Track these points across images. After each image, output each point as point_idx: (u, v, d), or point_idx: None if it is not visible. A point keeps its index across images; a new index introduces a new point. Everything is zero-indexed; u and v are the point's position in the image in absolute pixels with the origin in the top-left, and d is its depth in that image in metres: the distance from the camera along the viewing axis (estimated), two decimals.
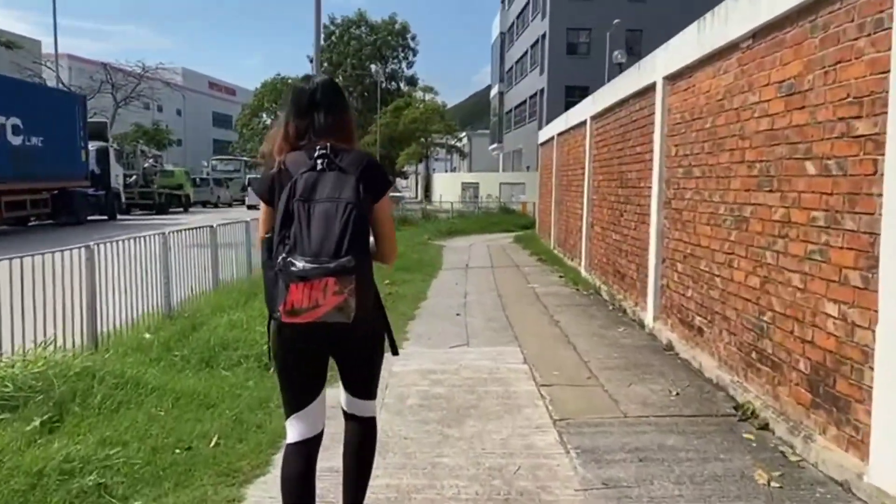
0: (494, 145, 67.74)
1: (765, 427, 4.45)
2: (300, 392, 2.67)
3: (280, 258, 2.36)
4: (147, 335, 6.41)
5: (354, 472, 2.83)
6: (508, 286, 10.99)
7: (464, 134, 71.04)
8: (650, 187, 7.57)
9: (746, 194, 5.04)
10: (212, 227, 8.89)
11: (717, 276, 5.59)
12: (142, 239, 6.95)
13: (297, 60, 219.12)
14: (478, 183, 44.45)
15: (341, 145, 2.59)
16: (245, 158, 58.06)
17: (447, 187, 47.32)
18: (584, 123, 11.56)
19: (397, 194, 64.90)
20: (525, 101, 57.34)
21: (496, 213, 29.23)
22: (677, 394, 5.24)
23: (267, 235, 2.55)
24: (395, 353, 2.86)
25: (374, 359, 2.79)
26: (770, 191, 4.65)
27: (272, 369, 3.07)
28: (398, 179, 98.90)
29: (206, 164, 57.04)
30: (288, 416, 2.69)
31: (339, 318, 2.35)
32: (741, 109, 5.18)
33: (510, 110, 63.63)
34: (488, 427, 4.54)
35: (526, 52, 57.50)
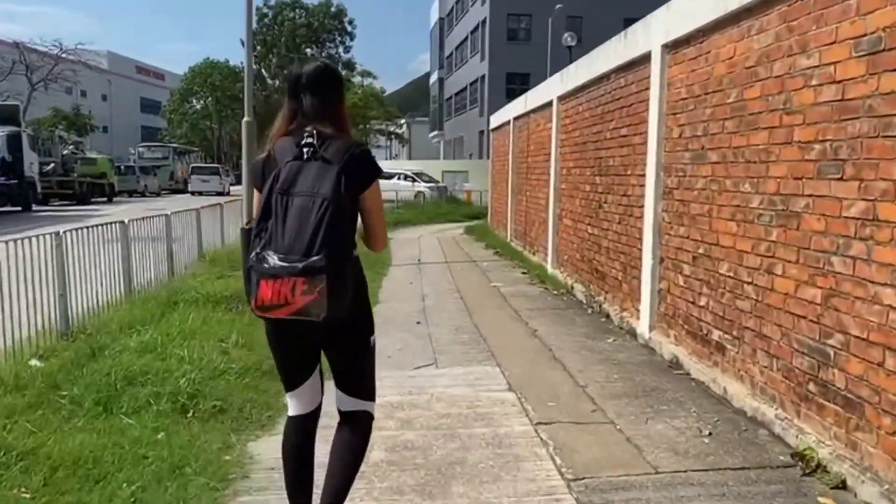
0: (435, 133, 66.58)
1: (842, 486, 3.44)
2: (291, 374, 2.72)
3: (254, 253, 2.36)
4: (35, 362, 5.06)
5: (335, 470, 2.67)
6: (469, 285, 9.87)
7: (403, 121, 69.65)
8: (641, 175, 6.54)
9: (797, 183, 4.01)
10: (123, 222, 7.48)
11: (748, 283, 4.57)
12: (33, 240, 5.55)
13: (228, 44, 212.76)
14: (420, 171, 43.16)
15: (328, 132, 2.51)
16: (174, 145, 55.32)
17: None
18: (549, 105, 10.49)
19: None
20: (466, 88, 56.32)
21: (443, 202, 28.03)
22: (710, 433, 4.19)
23: (247, 227, 2.54)
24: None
25: (359, 356, 2.73)
26: (840, 179, 3.62)
27: None
28: None
29: (133, 151, 54.03)
30: (286, 392, 2.77)
31: (310, 315, 2.33)
32: (787, 77, 4.14)
33: (450, 97, 62.49)
34: (483, 496, 3.40)
35: (466, 39, 56.41)
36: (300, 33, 66.58)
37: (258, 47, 69.81)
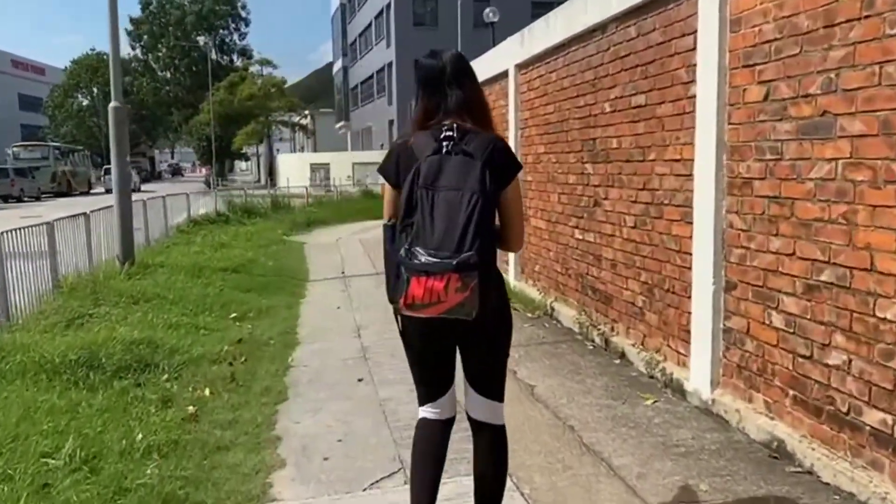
0: (341, 123, 63.73)
1: None
2: (433, 379, 2.64)
3: (403, 249, 2.27)
4: None
5: (486, 484, 2.61)
6: None
7: (307, 112, 66.41)
8: (680, 160, 4.55)
9: None
10: None
11: None
12: None
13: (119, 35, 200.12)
14: (328, 163, 40.54)
15: (468, 126, 2.43)
16: (55, 144, 50.25)
17: (294, 169, 42.99)
18: (502, 76, 8.42)
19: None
20: (372, 76, 53.88)
21: (357, 197, 25.64)
22: None
23: (390, 222, 2.45)
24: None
25: (499, 356, 2.62)
26: None
27: None
28: (237, 161, 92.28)
29: (8, 152, 48.64)
30: (420, 404, 2.69)
31: (461, 314, 2.25)
32: None
33: (356, 86, 59.86)
34: None
35: (370, 25, 53.92)
36: (190, 20, 62.20)
37: (143, 36, 65.09)
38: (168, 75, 67.91)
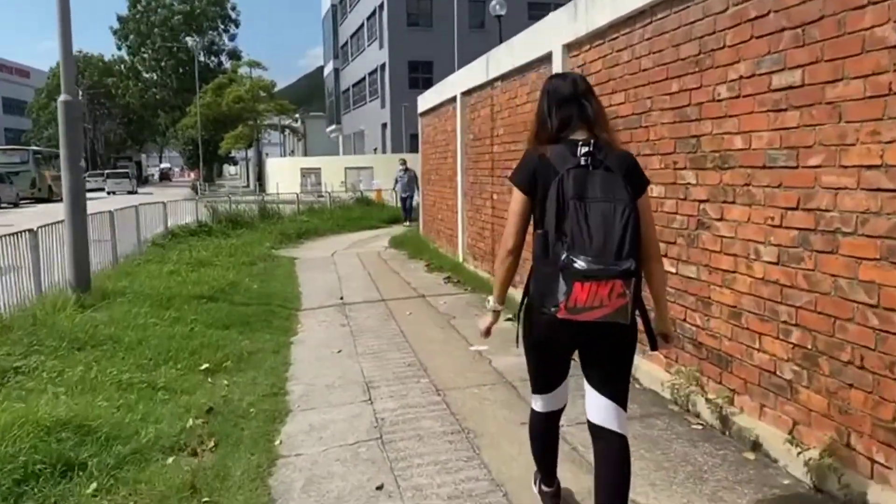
0: (332, 127, 62.10)
1: None
2: (554, 376, 2.82)
3: (564, 256, 2.34)
4: None
5: (609, 490, 2.63)
6: (440, 354, 5.99)
7: (297, 116, 64.67)
8: (891, 167, 2.95)
9: None
10: None
11: None
12: None
13: (98, 35, 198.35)
14: (320, 168, 38.74)
15: (603, 138, 2.56)
16: (35, 148, 48.21)
17: (284, 174, 41.16)
18: (542, 61, 6.80)
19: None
20: (364, 79, 52.33)
21: (353, 205, 23.90)
22: None
23: (541, 231, 2.51)
24: (653, 347, 2.77)
25: (631, 359, 2.71)
26: None
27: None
28: (226, 166, 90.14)
29: None
30: (535, 393, 2.90)
31: (618, 318, 2.38)
32: None
33: (347, 89, 58.26)
34: None
35: (362, 26, 52.34)
36: (177, 21, 60.38)
37: (130, 36, 63.26)
38: (154, 77, 66.10)
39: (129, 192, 45.94)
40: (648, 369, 4.89)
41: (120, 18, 62.44)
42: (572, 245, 2.32)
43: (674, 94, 4.54)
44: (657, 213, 4.74)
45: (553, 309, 2.39)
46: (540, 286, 2.49)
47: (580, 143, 2.47)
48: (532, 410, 2.92)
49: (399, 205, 20.55)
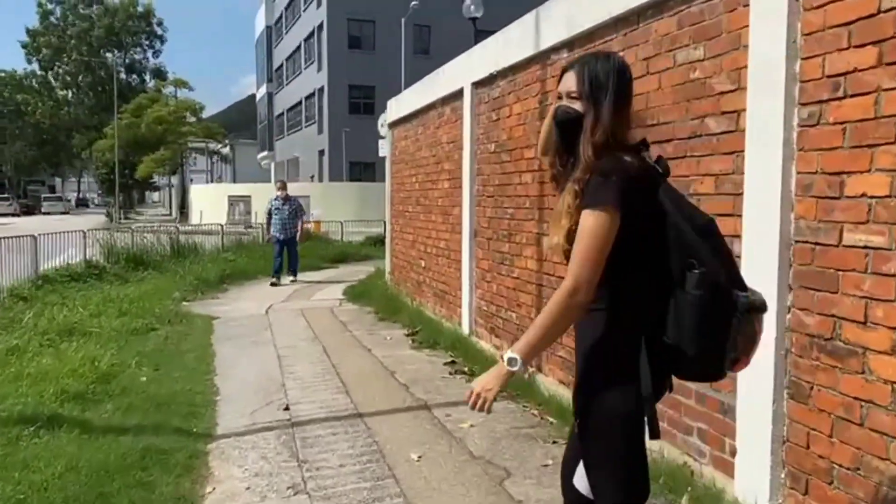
0: (264, 153, 58.21)
1: None
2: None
3: (742, 297, 1.83)
4: None
5: None
6: None
7: (226, 141, 60.31)
8: None
9: None
10: None
11: None
12: None
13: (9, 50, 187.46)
14: (250, 196, 34.68)
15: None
16: None
17: (209, 202, 37.10)
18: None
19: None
20: (300, 103, 49.10)
21: None
22: None
23: (700, 269, 1.80)
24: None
25: None
26: None
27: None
28: (149, 193, 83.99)
29: None
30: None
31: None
32: None
33: (282, 114, 54.82)
34: None
35: (299, 47, 49.30)
36: (97, 35, 55.58)
37: (43, 50, 57.99)
38: (69, 95, 60.80)
39: (13, 215, 45.17)
40: None
41: (29, 31, 57.16)
42: (733, 279, 1.86)
43: None
44: None
45: (733, 367, 1.89)
46: (706, 340, 1.81)
47: (642, 146, 1.97)
48: None
49: (274, 250, 12.69)
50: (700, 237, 1.82)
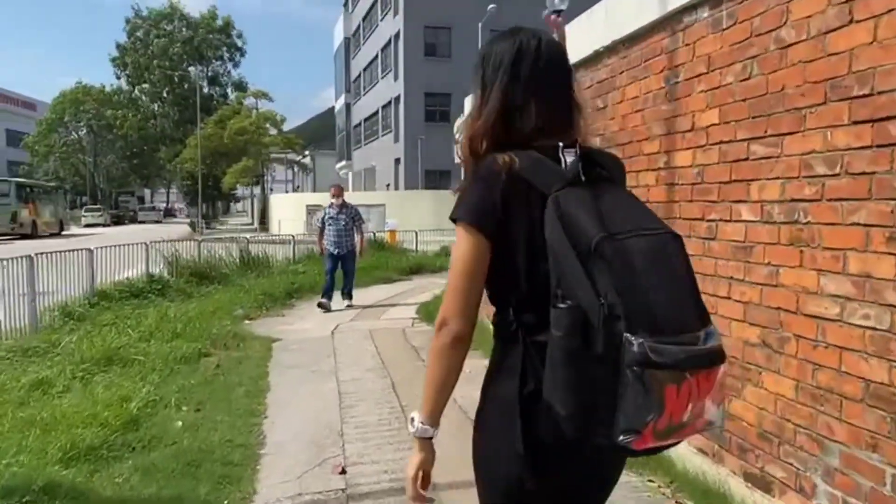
0: (342, 163, 58.42)
1: None
2: None
3: (634, 343, 1.29)
4: None
5: None
6: None
7: (307, 153, 60.81)
8: None
9: None
10: None
11: None
12: None
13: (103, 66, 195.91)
14: (324, 205, 34.39)
15: (581, 139, 1.58)
16: (18, 180, 44.23)
17: (288, 211, 37.17)
18: None
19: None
20: (377, 113, 48.97)
21: (365, 249, 19.41)
22: None
23: (563, 305, 1.39)
24: None
25: None
26: None
27: None
28: (231, 204, 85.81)
29: None
30: None
31: (710, 427, 1.42)
32: None
33: (359, 124, 54.95)
34: None
35: (376, 57, 49.24)
36: (177, 50, 56.85)
37: (128, 66, 59.80)
38: (155, 108, 62.55)
39: (103, 225, 47.80)
40: None
41: (119, 46, 59.07)
42: (631, 318, 1.30)
43: None
44: None
45: (624, 437, 1.32)
46: (581, 397, 1.36)
47: (561, 146, 1.53)
48: None
49: (325, 266, 10.76)
50: (582, 262, 1.36)
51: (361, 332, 8.63)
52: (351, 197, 40.45)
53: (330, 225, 10.52)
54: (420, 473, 1.60)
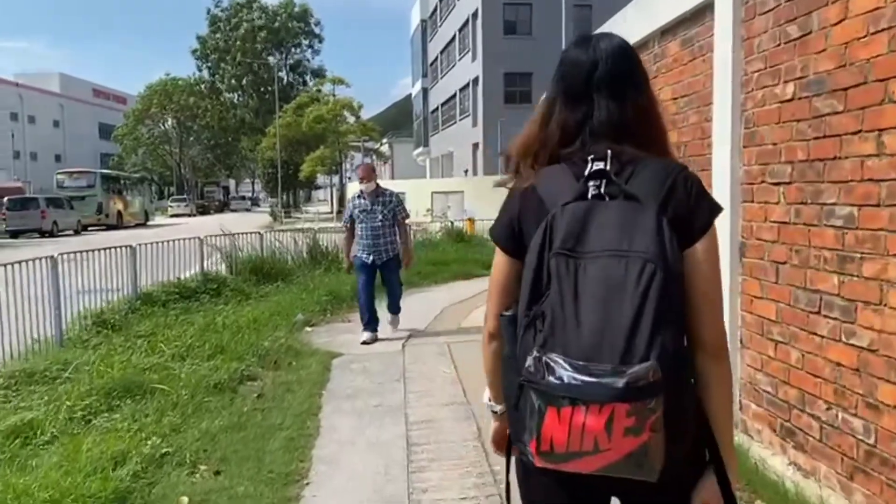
0: (419, 150, 57.39)
1: None
2: None
3: (531, 358, 1.31)
4: None
5: None
6: None
7: (385, 140, 60.02)
8: None
9: None
10: None
11: None
12: None
13: (187, 59, 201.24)
14: (404, 193, 33.13)
15: (631, 152, 1.46)
16: (104, 171, 44.95)
17: None
18: None
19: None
20: (455, 96, 47.67)
21: (439, 239, 18.10)
22: None
23: (507, 313, 1.51)
24: None
25: None
26: None
27: None
28: (313, 192, 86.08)
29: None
30: None
31: (634, 472, 1.28)
32: None
33: (436, 109, 53.78)
34: None
35: (453, 38, 47.85)
36: (259, 36, 56.86)
37: (211, 55, 60.28)
38: (235, 98, 62.97)
39: (189, 215, 48.93)
40: None
41: (199, 38, 59.60)
42: (551, 337, 1.30)
43: None
44: None
45: (526, 449, 1.36)
46: (508, 405, 1.47)
47: (591, 158, 1.44)
48: None
49: (358, 281, 7.57)
50: (536, 274, 1.37)
51: (438, 346, 7.18)
52: (428, 185, 39.01)
53: (361, 222, 7.38)
54: (499, 440, 1.70)
